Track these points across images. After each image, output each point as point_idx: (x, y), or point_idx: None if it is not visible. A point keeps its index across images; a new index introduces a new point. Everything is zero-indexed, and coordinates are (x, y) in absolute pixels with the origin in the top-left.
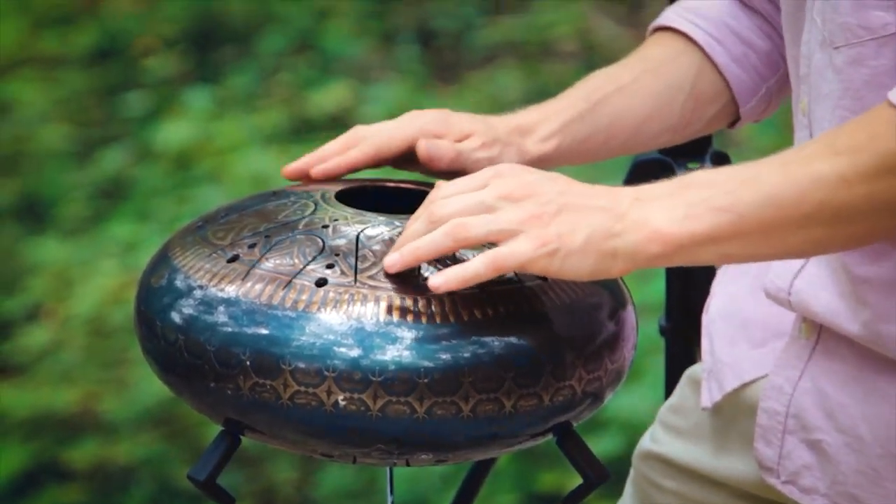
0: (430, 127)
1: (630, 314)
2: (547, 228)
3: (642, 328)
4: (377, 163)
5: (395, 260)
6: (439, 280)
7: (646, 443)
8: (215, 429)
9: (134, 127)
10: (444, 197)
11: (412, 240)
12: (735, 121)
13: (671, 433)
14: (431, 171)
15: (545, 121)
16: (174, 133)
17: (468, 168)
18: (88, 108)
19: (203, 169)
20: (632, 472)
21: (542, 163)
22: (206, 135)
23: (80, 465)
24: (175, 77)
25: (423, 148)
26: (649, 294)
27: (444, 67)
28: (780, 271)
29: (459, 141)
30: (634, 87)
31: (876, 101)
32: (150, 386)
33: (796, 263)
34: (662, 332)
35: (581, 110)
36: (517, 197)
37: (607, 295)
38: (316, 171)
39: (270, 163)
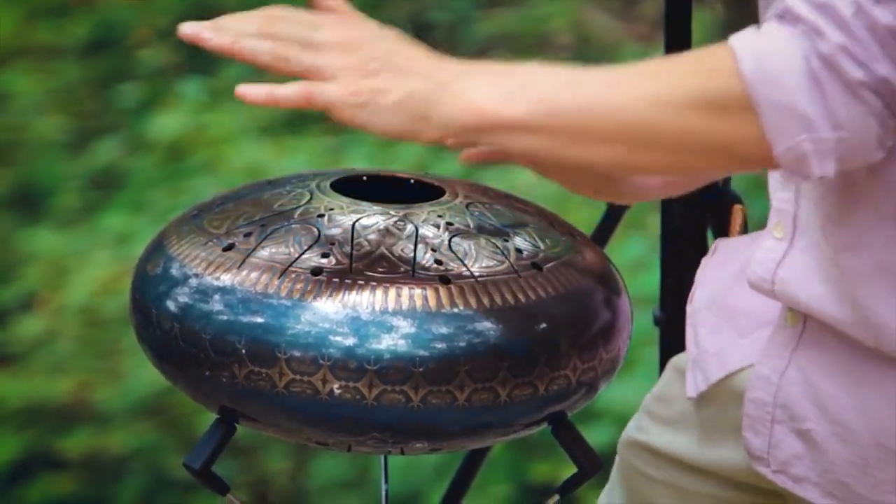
0: None
1: (625, 304)
2: (362, 81)
3: (636, 319)
4: None
5: (214, 38)
6: (248, 90)
7: (631, 431)
8: (209, 418)
9: (128, 118)
10: (283, 17)
11: (238, 27)
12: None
13: (657, 422)
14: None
15: None
16: (168, 124)
17: None
18: (83, 98)
19: (197, 160)
20: (617, 459)
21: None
22: (200, 126)
23: (73, 455)
24: (169, 68)
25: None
26: (643, 285)
27: None
28: (763, 260)
29: None
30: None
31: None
32: (143, 376)
33: (778, 253)
34: (657, 322)
35: None
36: (345, 46)
37: (602, 285)
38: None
39: (264, 154)
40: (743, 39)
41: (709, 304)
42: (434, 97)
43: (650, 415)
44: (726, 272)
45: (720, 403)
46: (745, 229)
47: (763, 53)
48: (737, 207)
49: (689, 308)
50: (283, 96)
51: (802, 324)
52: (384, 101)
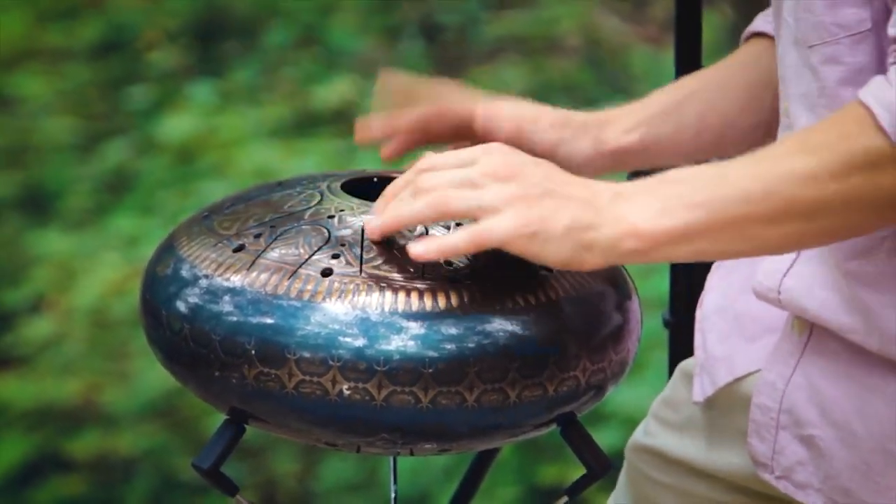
0: (497, 117)
1: (635, 306)
2: (530, 210)
3: (646, 322)
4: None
5: (375, 224)
6: (420, 248)
7: (639, 436)
8: (217, 420)
9: (138, 120)
10: (430, 168)
11: (394, 207)
12: None
13: (664, 426)
14: None
15: (628, 113)
16: (178, 126)
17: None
18: (93, 101)
19: (207, 162)
20: (625, 464)
21: (623, 156)
22: (209, 128)
23: (82, 457)
24: (179, 70)
25: (481, 118)
26: (653, 288)
27: (449, 62)
28: (769, 270)
29: (522, 125)
30: (722, 82)
31: (851, 99)
32: (152, 378)
33: (785, 263)
34: (666, 325)
35: (666, 105)
36: (503, 176)
37: (613, 287)
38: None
39: (274, 157)
40: (874, 94)
41: (717, 310)
42: (595, 222)
43: (658, 419)
44: (736, 277)
45: (727, 408)
46: None
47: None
48: None
49: (698, 313)
50: (453, 246)
51: (809, 332)
52: (553, 230)
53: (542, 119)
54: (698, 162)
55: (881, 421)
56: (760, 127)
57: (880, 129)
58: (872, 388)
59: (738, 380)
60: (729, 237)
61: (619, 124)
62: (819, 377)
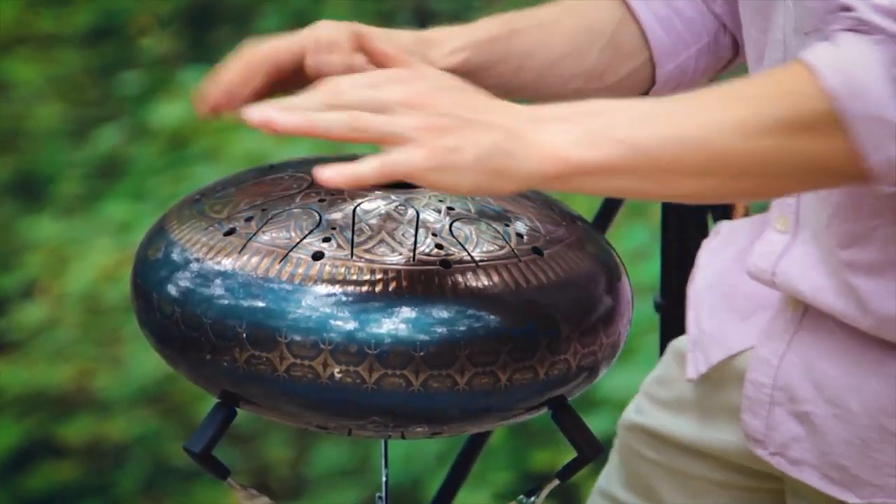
0: (325, 39)
1: (626, 288)
2: (438, 140)
3: (637, 307)
4: (270, 85)
5: (286, 120)
6: (330, 173)
7: (630, 414)
8: (209, 405)
9: (130, 106)
10: (344, 86)
11: (303, 103)
12: (650, 87)
13: (656, 405)
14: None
15: (455, 35)
16: (170, 112)
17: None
18: (84, 86)
19: (199, 148)
20: (616, 442)
21: None
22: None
23: (74, 442)
24: (171, 56)
25: (311, 65)
26: (645, 273)
27: None
28: (763, 253)
29: (353, 51)
30: (554, 23)
31: None
32: (144, 363)
33: (779, 245)
34: (657, 308)
35: (495, 34)
36: (415, 104)
37: (603, 269)
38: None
39: (266, 142)
40: (820, 56)
41: (710, 287)
42: (511, 149)
43: (649, 397)
44: (728, 255)
45: (720, 385)
46: (747, 212)
47: (844, 67)
48: None
49: (690, 290)
50: (365, 175)
51: (803, 309)
52: (462, 160)
53: (372, 42)
54: (516, 100)
55: (877, 397)
56: (580, 77)
57: (823, 91)
58: (868, 366)
59: (731, 357)
60: (649, 178)
61: (445, 46)
62: (813, 354)
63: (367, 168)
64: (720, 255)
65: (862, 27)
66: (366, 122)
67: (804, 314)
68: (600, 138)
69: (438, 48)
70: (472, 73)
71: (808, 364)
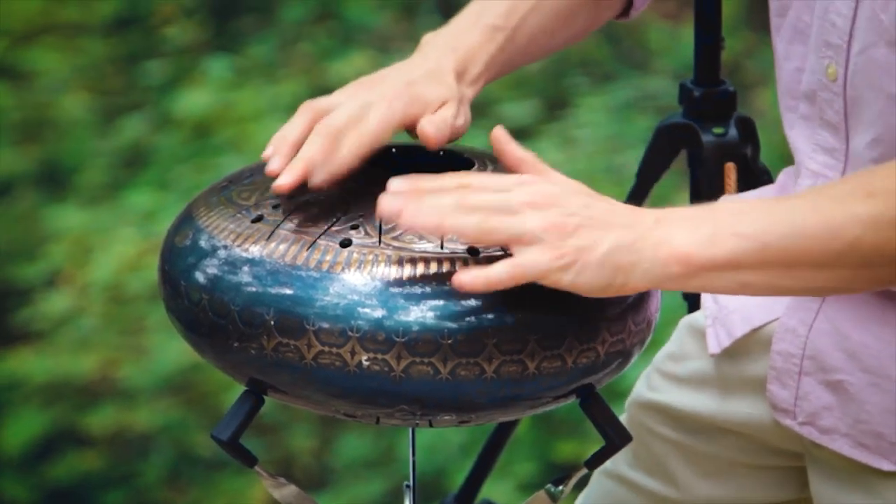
0: (411, 111)
1: None
2: (566, 241)
3: (665, 297)
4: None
5: (418, 216)
6: (465, 279)
7: (642, 391)
8: (234, 395)
9: (154, 95)
10: (471, 186)
11: (438, 208)
12: (625, 13)
13: (670, 381)
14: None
15: (472, 62)
16: (194, 102)
17: (454, 137)
18: (109, 76)
19: (223, 138)
20: (626, 419)
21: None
22: (225, 104)
23: (98, 432)
24: (195, 46)
25: (431, 132)
26: None
27: None
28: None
29: (439, 107)
30: (543, 4)
31: None
32: (168, 353)
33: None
34: (685, 297)
35: (501, 42)
36: (541, 205)
37: None
38: (312, 184)
39: None
40: None
41: None
42: (636, 248)
43: (662, 374)
44: None
45: (742, 358)
46: (738, 186)
47: None
48: (729, 165)
49: None
50: (499, 280)
51: None
52: (589, 259)
53: (451, 106)
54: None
55: None
56: (568, 42)
57: None
58: None
59: (754, 330)
60: (776, 274)
61: (468, 77)
62: (846, 322)
63: (499, 272)
64: None
65: None
66: (495, 224)
67: None
68: (724, 234)
69: (466, 81)
70: (485, 85)
71: (840, 333)
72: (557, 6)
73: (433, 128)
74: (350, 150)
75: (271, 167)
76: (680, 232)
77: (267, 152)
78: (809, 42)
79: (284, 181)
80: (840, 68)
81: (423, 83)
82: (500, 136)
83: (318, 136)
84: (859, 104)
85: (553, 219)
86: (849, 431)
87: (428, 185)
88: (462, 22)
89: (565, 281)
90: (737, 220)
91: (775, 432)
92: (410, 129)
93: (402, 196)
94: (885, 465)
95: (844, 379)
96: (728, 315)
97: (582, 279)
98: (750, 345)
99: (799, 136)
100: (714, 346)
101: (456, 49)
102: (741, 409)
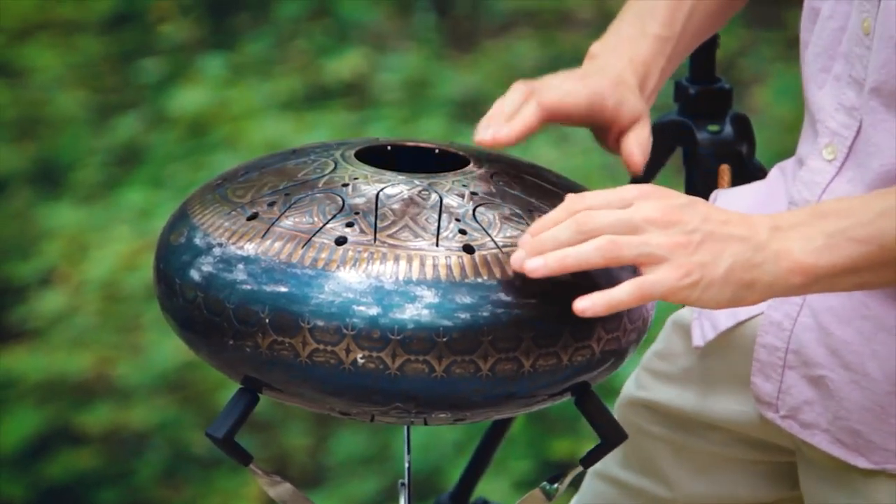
0: (610, 112)
1: None
2: (691, 257)
3: None
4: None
5: (538, 265)
6: (586, 304)
7: (630, 390)
8: (229, 393)
9: (149, 93)
10: (586, 207)
11: (553, 242)
12: None
13: (658, 379)
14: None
15: (649, 75)
16: (189, 99)
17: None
18: (104, 73)
19: (218, 135)
20: (616, 418)
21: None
22: (221, 101)
23: (93, 430)
24: (190, 43)
25: (639, 156)
26: None
27: (461, 36)
28: (810, 182)
29: (632, 123)
30: (698, 7)
31: None
32: (164, 351)
33: (827, 176)
34: None
35: (669, 53)
36: (663, 222)
37: None
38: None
39: (286, 130)
40: None
41: None
42: (758, 261)
43: (651, 372)
44: None
45: (728, 352)
46: (733, 185)
47: None
48: (724, 167)
49: None
50: (619, 302)
51: None
52: (714, 275)
53: (644, 123)
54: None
55: (895, 361)
56: (715, 30)
57: None
58: (884, 328)
59: (739, 323)
60: (891, 270)
61: (646, 92)
62: (829, 318)
63: (624, 294)
64: None
65: None
66: (619, 248)
67: None
68: (840, 240)
69: (646, 97)
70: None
71: (823, 329)
72: (709, 7)
73: (640, 150)
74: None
75: (483, 136)
76: (797, 242)
77: (481, 124)
78: (854, 0)
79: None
80: (873, 20)
81: (624, 89)
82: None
83: (531, 105)
84: (877, 52)
85: (677, 238)
86: (828, 427)
87: (539, 225)
88: (627, 29)
89: (692, 298)
90: (849, 224)
91: (761, 427)
92: (605, 131)
93: (524, 247)
94: (862, 463)
95: (825, 374)
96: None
97: (707, 295)
98: (735, 339)
99: (826, 96)
100: (699, 339)
101: (633, 61)
102: (728, 404)
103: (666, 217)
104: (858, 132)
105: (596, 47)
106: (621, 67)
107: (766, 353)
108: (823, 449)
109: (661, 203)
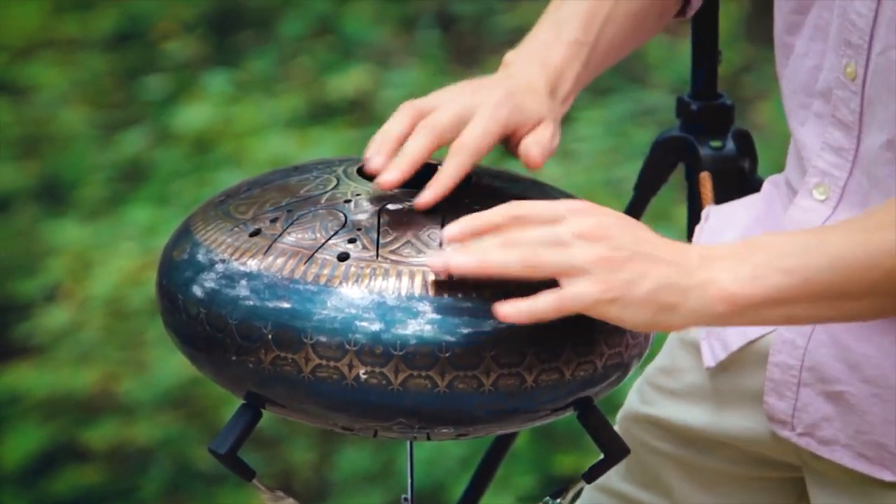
0: (512, 120)
1: None
2: (615, 274)
3: None
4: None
5: (462, 262)
6: (509, 310)
7: (634, 404)
8: (233, 410)
9: (153, 110)
10: (519, 218)
11: (483, 249)
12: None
13: (663, 395)
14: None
15: (562, 79)
16: (193, 116)
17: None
18: (108, 91)
19: (222, 152)
20: (618, 432)
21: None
22: (225, 118)
23: (98, 446)
24: (194, 61)
25: (536, 154)
26: None
27: (465, 52)
28: (803, 222)
29: (534, 126)
30: (617, 12)
31: None
32: (168, 367)
33: (821, 215)
34: None
35: (585, 57)
36: (592, 237)
37: None
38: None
39: (289, 147)
40: None
41: None
42: (682, 286)
43: (655, 388)
44: (726, 239)
45: (738, 371)
46: (715, 196)
47: None
48: (704, 175)
49: None
50: (540, 312)
51: None
52: (635, 294)
53: (548, 125)
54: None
55: None
56: (636, 46)
57: None
58: None
59: (750, 342)
60: (819, 305)
61: (558, 96)
62: (845, 334)
63: (543, 305)
64: (716, 240)
65: None
66: (541, 259)
67: None
68: (768, 271)
69: (557, 99)
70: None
71: (840, 344)
72: (629, 10)
73: (538, 149)
74: (455, 165)
75: (373, 165)
76: (724, 272)
77: (369, 151)
78: (829, 40)
79: (390, 177)
80: (860, 68)
81: (523, 95)
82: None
83: (422, 135)
84: (875, 104)
85: (603, 252)
86: (849, 442)
87: (477, 223)
88: (543, 36)
89: (612, 314)
90: (778, 256)
91: (772, 445)
92: (508, 140)
93: (452, 244)
94: (887, 476)
95: (845, 390)
96: (723, 329)
97: (627, 314)
98: (745, 357)
99: (809, 134)
100: (709, 360)
101: (545, 66)
102: (737, 421)
103: (595, 232)
104: (851, 173)
105: (510, 55)
106: (532, 73)
107: (779, 372)
108: (846, 465)
109: (593, 219)
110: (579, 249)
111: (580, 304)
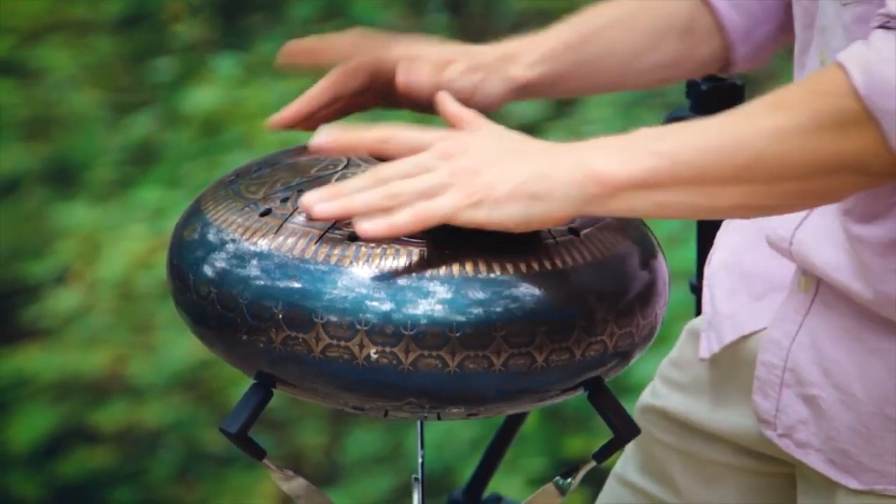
0: (405, 55)
1: (662, 270)
2: (475, 178)
3: (673, 293)
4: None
5: (323, 209)
6: (366, 226)
7: (646, 397)
8: (243, 392)
9: (163, 93)
10: (388, 142)
11: (349, 192)
12: (727, 65)
13: (671, 387)
14: (411, 101)
15: (532, 47)
16: (203, 98)
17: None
18: (117, 73)
19: (231, 135)
20: None
21: (528, 90)
22: (234, 101)
23: (107, 429)
24: (203, 43)
25: (402, 74)
26: (680, 259)
27: (474, 35)
28: (784, 220)
29: (441, 69)
30: (627, 21)
31: None
32: (178, 350)
33: (800, 214)
34: (693, 290)
35: (570, 40)
36: (453, 153)
37: (639, 250)
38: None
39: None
40: (851, 54)
41: (725, 267)
42: (548, 171)
43: (665, 380)
44: (743, 235)
45: (732, 366)
46: None
47: (872, 65)
48: None
49: (706, 270)
50: (400, 226)
51: (815, 289)
52: (501, 191)
53: (458, 63)
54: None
55: (881, 384)
56: (659, 70)
57: (853, 88)
58: (875, 351)
59: (744, 337)
60: (690, 190)
61: (524, 59)
62: (823, 337)
63: (401, 218)
64: (736, 235)
65: (891, 23)
66: (399, 187)
67: (815, 296)
68: (638, 153)
69: (517, 62)
70: (554, 81)
71: (817, 348)
72: (640, 26)
73: (404, 72)
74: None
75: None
76: (595, 155)
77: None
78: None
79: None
80: (823, 51)
81: (439, 44)
82: (441, 97)
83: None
84: None
85: (462, 163)
86: (821, 447)
87: (343, 187)
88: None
89: (480, 218)
90: (652, 141)
91: (764, 442)
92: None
93: (318, 194)
94: (853, 484)
95: (818, 394)
96: (721, 321)
97: (497, 214)
98: (739, 354)
99: None
100: (705, 351)
101: (518, 38)
102: (732, 417)
103: (454, 149)
104: None
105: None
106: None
107: (765, 371)
108: (818, 469)
109: (454, 139)
110: (440, 169)
111: (439, 214)
